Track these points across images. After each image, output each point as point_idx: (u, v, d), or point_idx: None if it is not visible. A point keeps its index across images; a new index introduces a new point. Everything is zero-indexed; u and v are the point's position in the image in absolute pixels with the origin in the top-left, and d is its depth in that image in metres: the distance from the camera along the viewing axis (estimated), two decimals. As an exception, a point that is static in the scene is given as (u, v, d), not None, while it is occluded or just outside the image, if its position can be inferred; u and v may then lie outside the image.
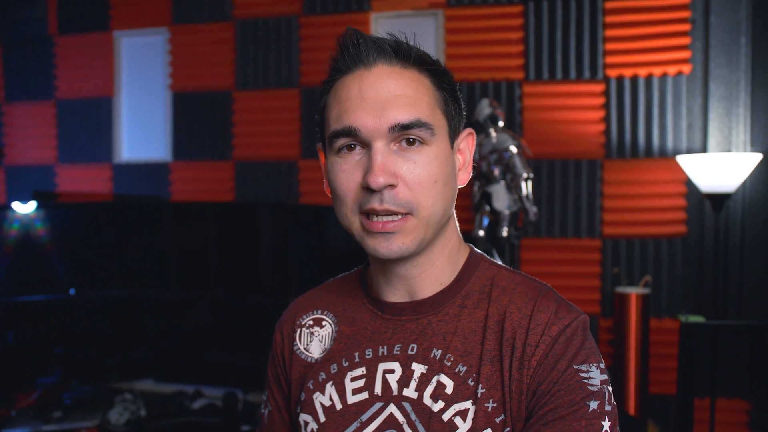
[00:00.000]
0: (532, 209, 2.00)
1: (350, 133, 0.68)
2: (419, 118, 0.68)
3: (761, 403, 2.13)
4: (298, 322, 0.82)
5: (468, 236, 2.11)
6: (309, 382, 0.77)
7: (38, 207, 2.28)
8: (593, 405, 0.65)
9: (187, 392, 2.28)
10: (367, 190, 0.67)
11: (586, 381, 0.65)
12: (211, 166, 2.62)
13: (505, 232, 2.02)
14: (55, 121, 2.78)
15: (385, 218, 0.68)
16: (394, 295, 0.76)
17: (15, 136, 2.85)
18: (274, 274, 2.22)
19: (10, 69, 2.81)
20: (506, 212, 2.02)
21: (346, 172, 0.69)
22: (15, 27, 2.77)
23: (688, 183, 2.16)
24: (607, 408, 0.66)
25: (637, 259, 2.23)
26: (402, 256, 0.69)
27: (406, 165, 0.67)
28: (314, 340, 0.80)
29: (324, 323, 0.80)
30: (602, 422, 0.64)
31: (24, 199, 2.55)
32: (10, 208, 2.24)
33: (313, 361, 0.78)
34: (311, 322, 0.81)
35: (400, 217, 0.68)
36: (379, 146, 0.67)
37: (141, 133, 2.73)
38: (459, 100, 0.75)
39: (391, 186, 0.67)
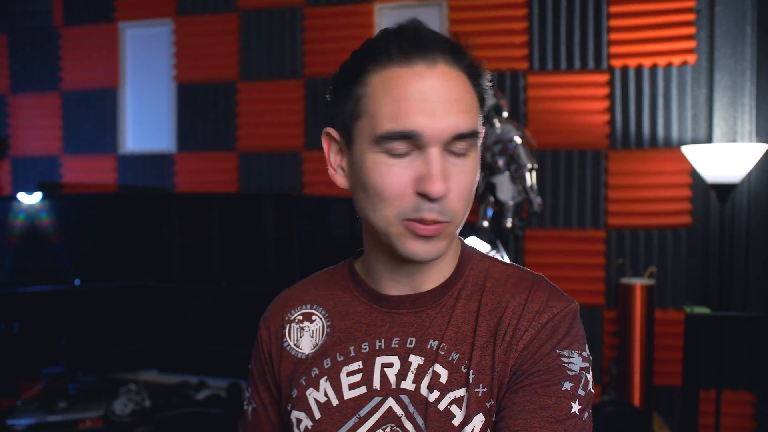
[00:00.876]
0: (537, 200, 1.97)
1: (409, 136, 0.64)
2: (475, 128, 0.66)
3: (767, 395, 2.09)
4: (286, 318, 0.80)
5: (472, 227, 2.07)
6: (301, 379, 0.74)
7: (43, 198, 2.26)
8: (567, 386, 0.65)
9: (192, 383, 2.27)
10: (421, 196, 0.64)
11: (566, 365, 0.66)
12: (215, 157, 2.59)
13: (509, 223, 1.98)
14: (60, 112, 2.75)
15: (429, 224, 0.66)
16: (396, 288, 0.74)
17: (20, 127, 2.82)
18: (278, 264, 2.20)
19: (15, 60, 2.78)
20: (510, 203, 1.98)
21: (397, 175, 0.65)
22: (20, 18, 2.75)
23: (693, 173, 2.11)
24: (581, 392, 0.66)
25: (641, 250, 2.18)
26: (435, 258, 0.69)
27: (455, 174, 0.66)
28: (304, 335, 0.77)
29: (314, 318, 0.78)
30: (572, 403, 0.65)
31: (29, 190, 2.53)
32: (16, 198, 2.22)
33: (304, 357, 0.76)
34: (300, 317, 0.79)
35: (440, 223, 0.66)
36: (436, 152, 0.64)
37: (146, 124, 2.70)
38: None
39: (444, 195, 0.65)
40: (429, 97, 0.64)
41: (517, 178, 1.97)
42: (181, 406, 2.14)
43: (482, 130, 0.70)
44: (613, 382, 2.10)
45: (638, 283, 2.04)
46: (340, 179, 0.73)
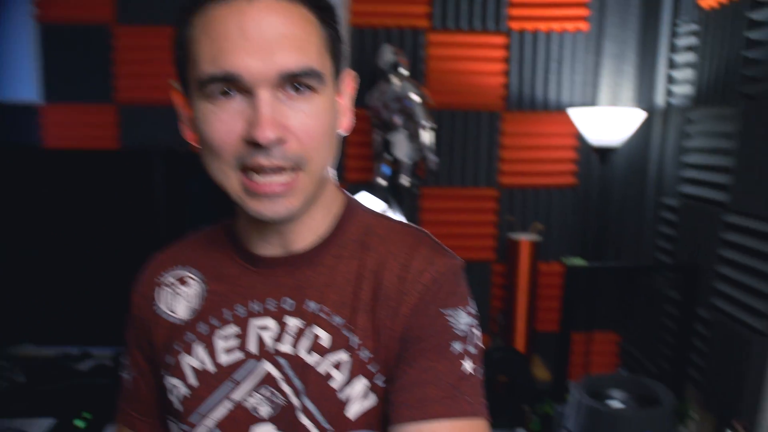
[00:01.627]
0: (433, 159, 2.33)
1: (230, 79, 0.66)
2: (310, 65, 0.67)
3: (629, 334, 2.67)
4: (157, 281, 0.85)
5: (368, 185, 2.41)
6: (175, 344, 0.79)
7: None
8: (457, 347, 0.72)
9: (73, 354, 2.38)
10: (253, 144, 0.66)
11: (452, 324, 0.72)
12: (90, 110, 2.67)
13: (405, 181, 2.34)
14: None
15: (271, 178, 0.68)
16: (267, 248, 0.79)
17: None
18: (167, 227, 2.36)
19: None
20: (407, 161, 2.33)
21: (224, 122, 0.67)
22: None
23: (579, 137, 2.59)
24: (471, 350, 0.73)
25: (530, 208, 2.66)
26: (289, 217, 0.72)
27: (296, 117, 0.68)
28: (179, 299, 0.82)
29: (189, 281, 0.82)
30: (464, 363, 0.72)
31: None
32: None
33: (180, 322, 0.80)
34: (174, 280, 0.83)
35: (287, 176, 0.69)
36: (265, 95, 0.66)
37: (1, 70, 2.68)
38: (342, 38, 0.76)
39: (281, 140, 0.67)
40: (250, 35, 0.65)
41: (414, 137, 2.32)
42: (61, 379, 2.24)
43: (328, 67, 0.71)
44: (501, 331, 2.57)
45: (525, 238, 2.50)
46: (190, 135, 0.75)
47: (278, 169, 0.68)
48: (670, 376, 2.10)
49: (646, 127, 2.56)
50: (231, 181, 0.70)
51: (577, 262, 2.24)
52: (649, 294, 2.47)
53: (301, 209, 0.72)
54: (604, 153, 2.42)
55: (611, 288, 2.66)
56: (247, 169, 0.69)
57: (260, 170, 0.68)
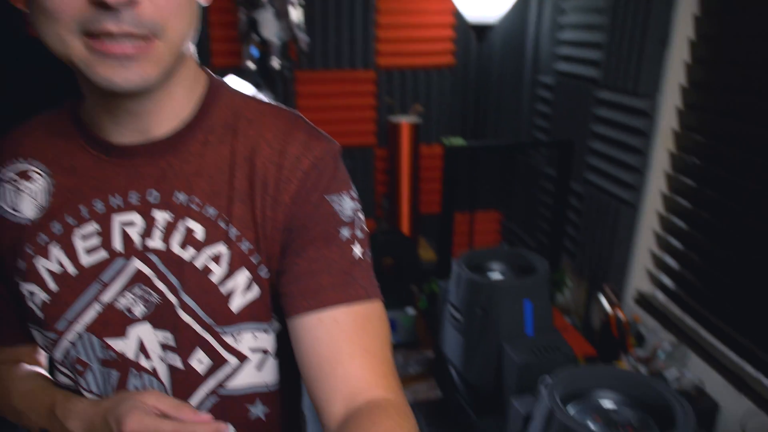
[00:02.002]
0: (304, 38, 2.20)
1: None
2: None
3: (510, 212, 2.82)
4: None
5: (236, 70, 2.25)
6: (26, 247, 0.74)
7: None
8: (345, 233, 0.73)
9: None
10: (98, 5, 0.59)
11: (337, 211, 0.73)
12: None
13: (276, 64, 2.20)
14: None
15: (122, 40, 0.61)
16: (123, 135, 0.72)
17: None
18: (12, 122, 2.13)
19: None
20: (276, 41, 2.19)
21: None
22: None
23: (457, 14, 2.55)
24: (358, 234, 0.75)
25: (409, 89, 2.63)
26: (144, 88, 0.65)
27: None
28: (23, 196, 0.75)
29: (32, 175, 0.76)
30: (353, 247, 0.73)
31: None
32: None
33: (28, 223, 0.75)
34: (14, 176, 0.76)
35: (141, 41, 0.62)
36: None
37: None
38: None
39: (132, 2, 0.59)
40: None
41: (282, 15, 2.16)
42: None
43: None
44: (386, 215, 2.62)
45: (405, 121, 2.49)
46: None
47: (129, 36, 0.60)
48: (547, 248, 2.25)
49: (522, 3, 2.56)
50: (73, 47, 0.61)
51: (457, 142, 2.27)
52: (528, 171, 2.59)
53: (157, 81, 0.65)
54: (482, 30, 2.40)
55: (492, 167, 2.76)
56: (92, 36, 0.60)
57: (108, 37, 0.60)
